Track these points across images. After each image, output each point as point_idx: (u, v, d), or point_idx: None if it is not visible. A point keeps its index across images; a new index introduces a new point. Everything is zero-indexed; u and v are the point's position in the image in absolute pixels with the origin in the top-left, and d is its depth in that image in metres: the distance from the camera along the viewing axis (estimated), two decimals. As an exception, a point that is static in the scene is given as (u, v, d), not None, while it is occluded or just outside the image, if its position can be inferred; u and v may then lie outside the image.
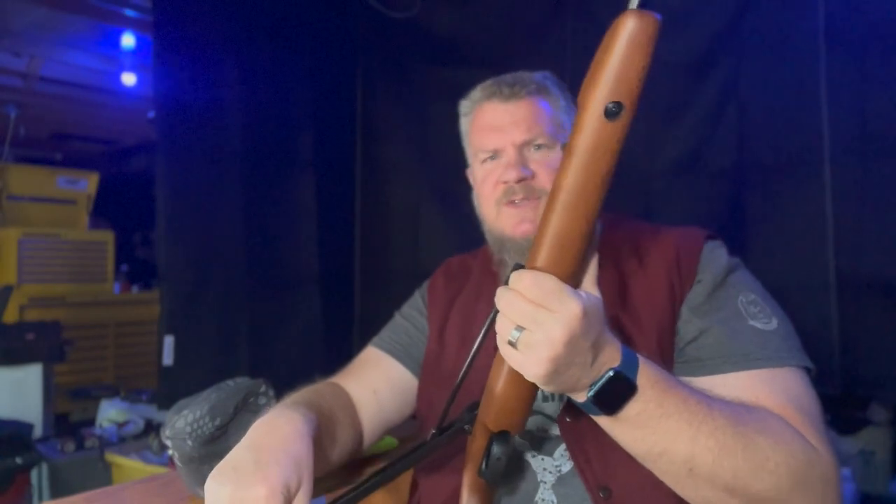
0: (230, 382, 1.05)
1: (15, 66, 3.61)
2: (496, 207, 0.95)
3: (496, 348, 0.63)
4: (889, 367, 1.74)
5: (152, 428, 2.79)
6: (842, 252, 1.81)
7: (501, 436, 0.72)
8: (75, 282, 4.23)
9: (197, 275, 2.14)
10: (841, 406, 2.03)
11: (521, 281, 0.58)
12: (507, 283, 0.60)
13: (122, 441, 2.73)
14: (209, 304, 2.17)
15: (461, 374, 0.72)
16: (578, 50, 2.20)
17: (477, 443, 0.75)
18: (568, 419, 0.85)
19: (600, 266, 0.64)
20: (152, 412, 2.91)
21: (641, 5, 0.54)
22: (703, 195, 2.06)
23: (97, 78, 3.80)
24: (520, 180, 0.92)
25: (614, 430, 0.65)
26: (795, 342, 0.81)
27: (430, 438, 0.76)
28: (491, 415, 0.71)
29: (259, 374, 1.13)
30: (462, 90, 1.04)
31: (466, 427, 0.77)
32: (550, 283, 0.57)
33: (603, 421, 0.64)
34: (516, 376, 0.65)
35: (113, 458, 2.56)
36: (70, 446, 2.67)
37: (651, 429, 0.63)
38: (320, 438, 0.79)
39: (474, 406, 0.76)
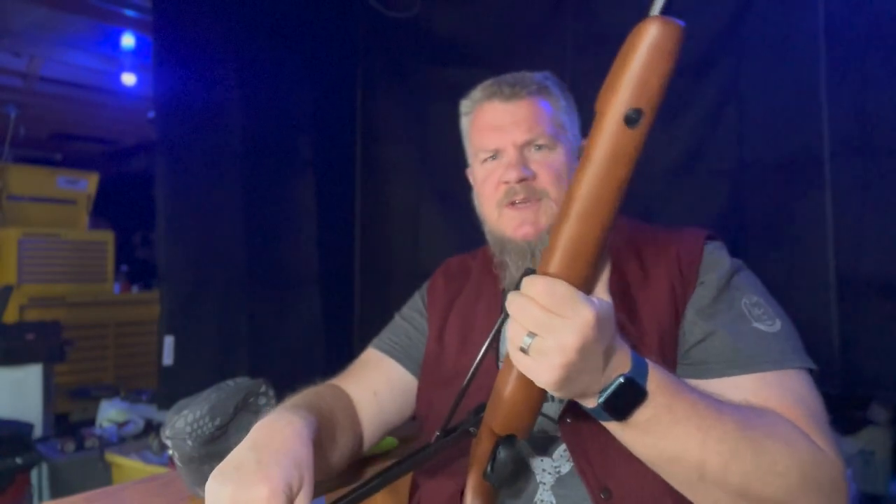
0: (230, 382, 1.05)
1: (15, 66, 3.60)
2: (497, 209, 0.95)
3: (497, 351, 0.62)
4: (889, 367, 1.74)
5: (152, 428, 2.79)
6: (842, 252, 1.81)
7: (508, 440, 0.72)
8: (75, 282, 4.22)
9: (197, 275, 2.14)
10: (841, 406, 2.03)
11: (533, 287, 0.57)
12: (518, 287, 0.59)
13: (122, 441, 2.74)
14: (209, 304, 2.16)
15: (468, 377, 0.72)
16: (578, 50, 2.20)
17: (482, 445, 0.75)
18: (569, 420, 0.85)
19: None
20: (152, 412, 2.91)
21: (664, 11, 0.53)
22: (703, 195, 2.06)
23: (97, 78, 3.79)
24: (521, 180, 0.92)
25: (624, 436, 0.65)
26: (798, 343, 0.81)
27: (434, 440, 0.76)
28: (498, 418, 0.71)
29: (259, 374, 1.13)
30: (462, 90, 1.04)
31: (472, 430, 0.76)
32: (563, 290, 0.57)
33: (612, 427, 0.64)
34: (526, 381, 0.64)
35: (113, 458, 2.56)
36: (70, 446, 2.67)
37: (661, 434, 0.63)
38: (321, 441, 0.79)
39: (480, 408, 0.75)
